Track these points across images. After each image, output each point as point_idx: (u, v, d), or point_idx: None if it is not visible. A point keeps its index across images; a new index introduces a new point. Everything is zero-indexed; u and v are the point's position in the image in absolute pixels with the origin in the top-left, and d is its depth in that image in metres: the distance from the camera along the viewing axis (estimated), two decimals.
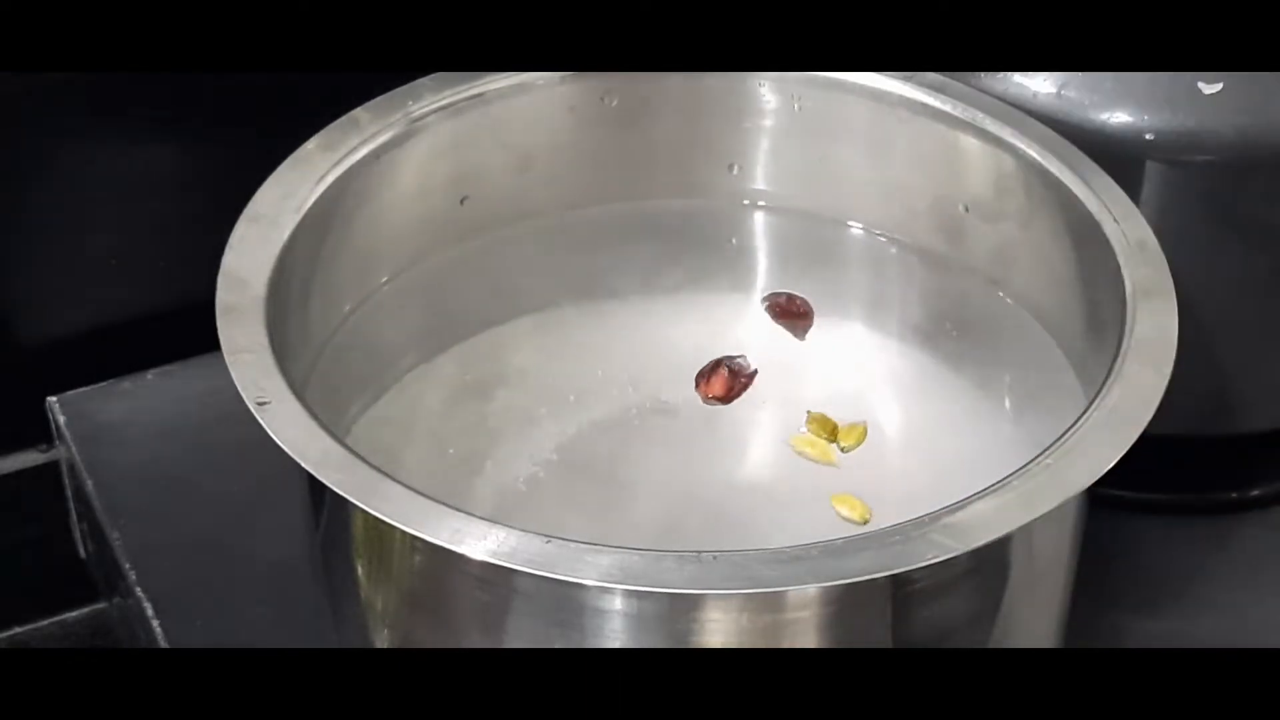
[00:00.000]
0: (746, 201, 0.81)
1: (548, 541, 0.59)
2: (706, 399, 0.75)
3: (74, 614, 0.91)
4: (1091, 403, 0.64)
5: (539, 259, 0.79)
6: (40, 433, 0.87)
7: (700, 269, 0.80)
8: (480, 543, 0.59)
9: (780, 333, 0.78)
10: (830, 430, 0.74)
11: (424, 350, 0.76)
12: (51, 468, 0.88)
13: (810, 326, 0.78)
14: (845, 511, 0.71)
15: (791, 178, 0.80)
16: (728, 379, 0.74)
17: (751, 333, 0.78)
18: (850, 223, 0.80)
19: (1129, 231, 0.70)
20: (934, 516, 0.60)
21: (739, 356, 0.76)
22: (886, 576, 0.59)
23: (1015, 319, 0.76)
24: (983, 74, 0.76)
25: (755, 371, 0.75)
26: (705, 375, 0.75)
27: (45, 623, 0.91)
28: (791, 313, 0.78)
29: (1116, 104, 0.74)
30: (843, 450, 0.74)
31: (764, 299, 0.79)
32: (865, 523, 0.70)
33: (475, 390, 0.75)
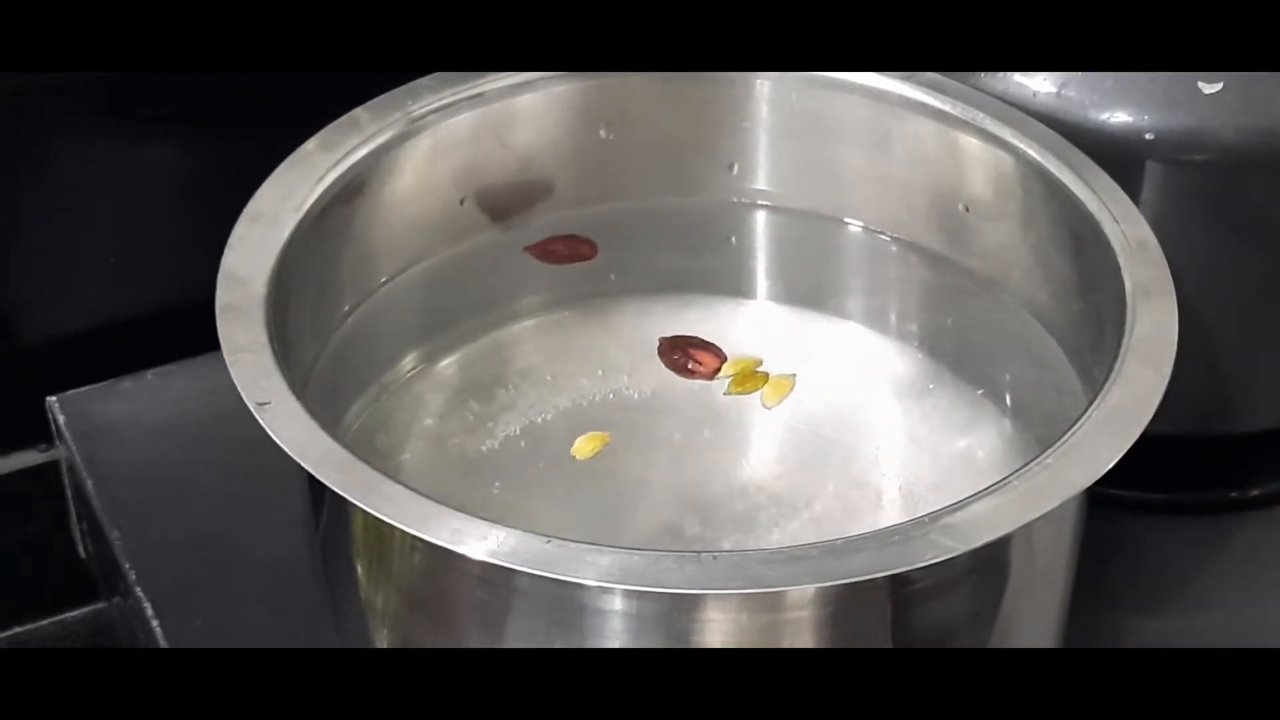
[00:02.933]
0: (746, 201, 0.81)
1: (548, 541, 0.59)
2: (712, 377, 0.75)
3: (74, 613, 0.91)
4: (1091, 403, 0.64)
5: (539, 259, 0.79)
6: (40, 432, 0.87)
7: (700, 269, 0.80)
8: (480, 543, 0.59)
9: (780, 332, 0.78)
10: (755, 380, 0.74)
11: (424, 350, 0.76)
12: (51, 467, 0.88)
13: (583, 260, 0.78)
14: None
15: (791, 177, 0.80)
16: (709, 350, 0.75)
17: (752, 332, 0.78)
18: (850, 222, 0.80)
19: (1129, 231, 0.70)
20: (934, 516, 0.60)
21: (681, 336, 0.76)
22: (886, 576, 0.59)
23: (1015, 318, 0.76)
24: (982, 74, 0.76)
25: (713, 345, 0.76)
26: (684, 359, 0.75)
27: (45, 622, 0.91)
28: (557, 253, 0.78)
29: (1116, 104, 0.74)
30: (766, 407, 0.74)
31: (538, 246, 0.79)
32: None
33: (475, 390, 0.75)
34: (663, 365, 0.76)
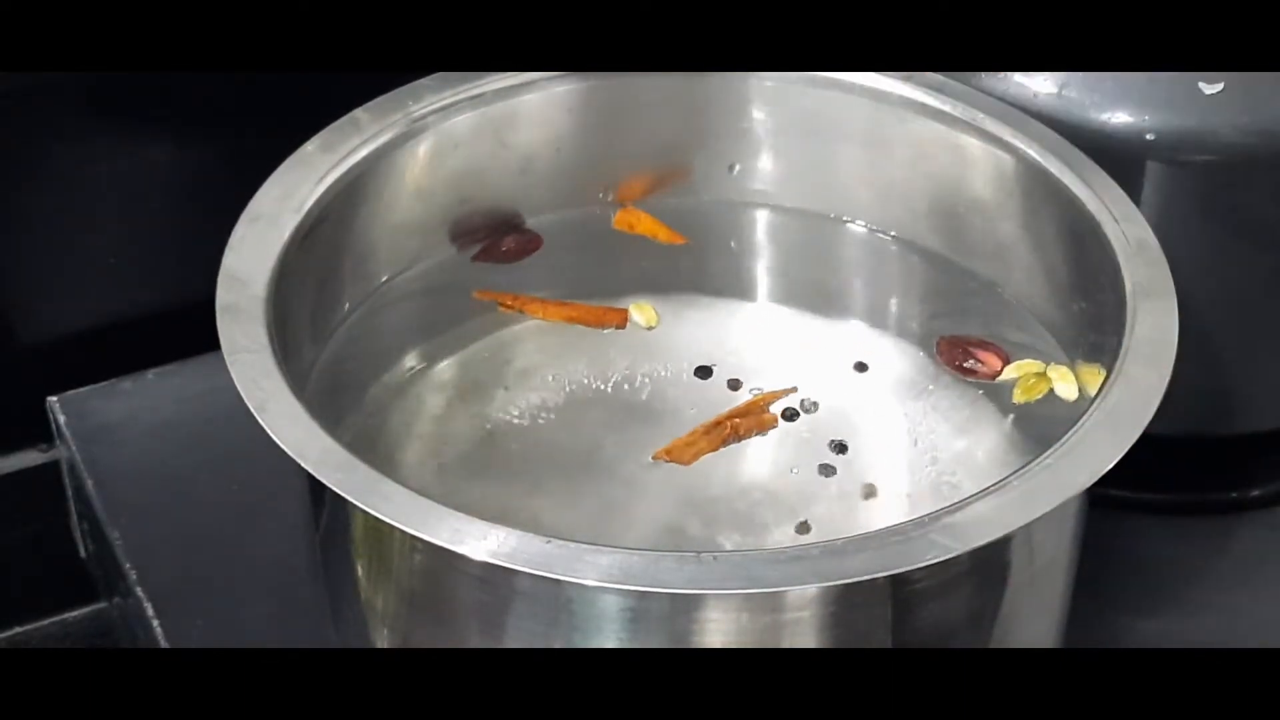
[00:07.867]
0: (746, 201, 0.81)
1: (547, 542, 0.59)
2: (993, 378, 0.74)
3: (74, 614, 0.91)
4: (1091, 403, 0.64)
5: (538, 259, 0.79)
6: (40, 432, 0.87)
7: (700, 269, 0.80)
8: (480, 543, 0.59)
9: (780, 332, 0.78)
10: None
11: (424, 351, 0.76)
12: (52, 467, 0.88)
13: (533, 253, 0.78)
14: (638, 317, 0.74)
15: (791, 178, 0.80)
16: (991, 349, 0.73)
17: (751, 333, 0.78)
18: (850, 222, 0.80)
19: (1129, 231, 0.70)
20: (934, 516, 0.60)
21: (960, 336, 0.75)
22: (886, 576, 0.59)
23: (1015, 318, 0.76)
24: (982, 74, 0.76)
25: None
26: (963, 358, 0.73)
27: (45, 622, 0.91)
28: (509, 252, 0.78)
29: (1116, 104, 0.74)
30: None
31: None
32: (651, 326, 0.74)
33: (475, 391, 0.75)
34: (941, 364, 0.75)
